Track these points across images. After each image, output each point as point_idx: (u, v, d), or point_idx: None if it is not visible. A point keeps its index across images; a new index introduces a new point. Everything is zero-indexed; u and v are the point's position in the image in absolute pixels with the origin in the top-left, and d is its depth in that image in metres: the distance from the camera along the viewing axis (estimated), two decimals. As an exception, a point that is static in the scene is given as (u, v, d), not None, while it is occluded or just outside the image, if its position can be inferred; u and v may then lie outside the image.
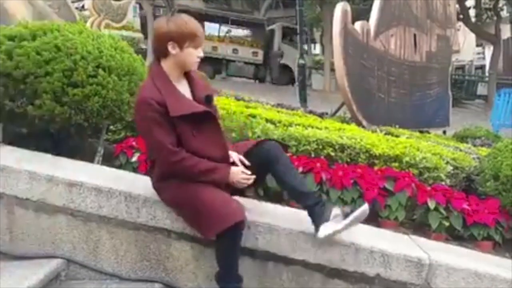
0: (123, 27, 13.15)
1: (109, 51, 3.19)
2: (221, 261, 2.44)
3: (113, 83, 3.09)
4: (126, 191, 2.61)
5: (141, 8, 23.92)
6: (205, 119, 2.46)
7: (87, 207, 2.59)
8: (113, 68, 3.13)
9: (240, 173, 2.49)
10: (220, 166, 2.47)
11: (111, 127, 3.65)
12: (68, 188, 2.58)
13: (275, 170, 2.55)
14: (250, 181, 2.53)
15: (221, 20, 21.73)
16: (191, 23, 2.42)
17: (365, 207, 2.44)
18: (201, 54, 2.48)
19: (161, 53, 2.43)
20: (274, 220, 2.62)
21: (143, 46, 18.70)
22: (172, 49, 2.39)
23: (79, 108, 3.01)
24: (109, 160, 3.38)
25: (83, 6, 13.70)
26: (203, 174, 2.42)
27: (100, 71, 3.06)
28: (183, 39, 2.38)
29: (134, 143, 3.34)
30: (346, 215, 2.43)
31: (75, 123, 3.05)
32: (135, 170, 3.23)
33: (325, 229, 2.43)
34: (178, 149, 2.39)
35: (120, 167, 3.27)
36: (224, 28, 22.23)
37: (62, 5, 7.94)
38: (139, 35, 21.34)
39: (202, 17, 18.05)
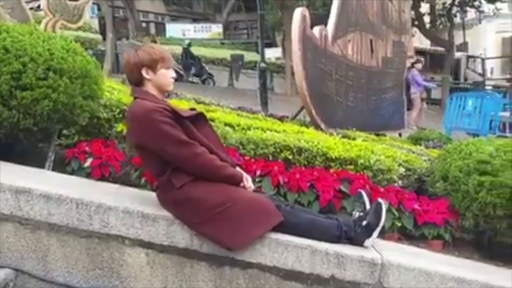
0: (80, 28, 12.82)
1: (60, 53, 3.11)
2: (307, 235, 2.63)
3: (64, 86, 3.01)
4: (77, 198, 2.54)
5: (99, 9, 23.49)
6: (200, 123, 2.65)
7: (36, 214, 2.51)
8: (65, 70, 3.06)
9: (250, 181, 2.67)
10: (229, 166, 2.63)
11: (65, 131, 3.56)
12: (16, 195, 2.49)
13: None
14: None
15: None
16: (158, 47, 2.71)
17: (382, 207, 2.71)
18: (173, 74, 2.70)
19: (137, 80, 2.63)
20: (230, 224, 2.61)
21: (102, 48, 18.34)
22: (146, 74, 2.60)
23: (28, 112, 2.92)
24: (61, 165, 3.29)
25: (38, 6, 13.34)
26: (222, 168, 2.54)
27: (51, 73, 2.99)
28: (155, 62, 2.60)
29: (87, 148, 3.27)
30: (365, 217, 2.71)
31: (24, 127, 2.96)
32: (88, 175, 3.15)
33: (368, 242, 2.71)
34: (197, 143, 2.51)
35: (72, 173, 3.19)
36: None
37: (15, 5, 7.72)
38: (97, 36, 20.90)
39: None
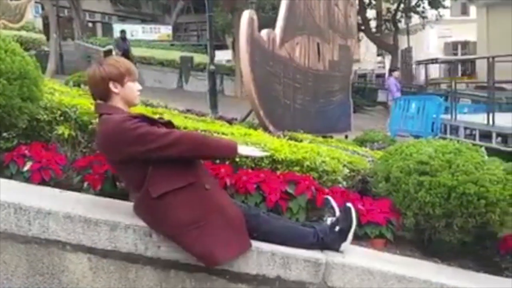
0: (22, 28, 12.37)
1: (-3, 53, 3.00)
2: (286, 242, 2.68)
3: (2, 88, 2.91)
4: (16, 203, 2.46)
5: (43, 8, 22.76)
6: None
7: (-29, 221, 2.41)
8: (2, 71, 2.95)
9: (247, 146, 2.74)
10: None
11: (4, 134, 3.42)
12: (-51, 201, 2.39)
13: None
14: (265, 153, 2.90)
15: None
16: (122, 60, 2.65)
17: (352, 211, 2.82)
18: (140, 87, 2.66)
19: (104, 95, 2.58)
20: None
21: (46, 48, 17.77)
22: (114, 88, 2.55)
23: (-37, 114, 2.81)
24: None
25: (-21, 7, 12.77)
26: (210, 139, 2.61)
27: (-13, 74, 2.88)
28: (122, 76, 2.56)
29: (26, 151, 3.15)
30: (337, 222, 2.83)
31: (-41, 130, 2.84)
32: (27, 180, 3.04)
33: (344, 246, 2.80)
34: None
35: (11, 177, 3.06)
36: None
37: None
38: (41, 36, 20.22)
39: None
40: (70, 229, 2.48)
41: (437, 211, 3.10)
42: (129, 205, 2.83)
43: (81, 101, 3.61)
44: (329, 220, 2.87)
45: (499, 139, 8.94)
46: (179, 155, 2.41)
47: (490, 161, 3.36)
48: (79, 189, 3.07)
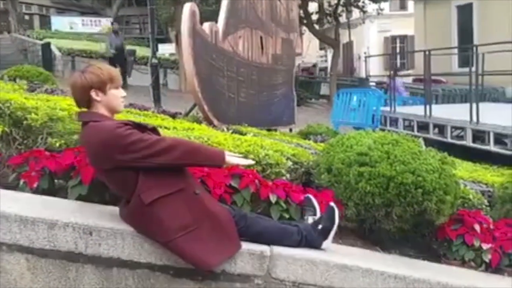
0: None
1: None
2: (274, 242, 2.73)
3: None
4: None
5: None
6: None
7: None
8: None
9: (235, 155, 2.76)
10: None
11: None
12: None
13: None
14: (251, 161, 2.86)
15: None
16: (105, 67, 2.62)
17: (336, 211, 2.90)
18: (124, 94, 2.64)
19: (87, 102, 2.55)
20: (118, 224, 2.54)
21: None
22: (96, 96, 2.52)
23: None
24: None
25: None
26: (201, 147, 2.68)
27: None
28: (104, 83, 2.53)
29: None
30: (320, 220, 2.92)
31: None
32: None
33: (326, 244, 2.87)
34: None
35: None
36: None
37: None
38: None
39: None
40: (6, 228, 2.38)
41: (376, 201, 3.19)
42: (67, 202, 2.75)
43: (15, 96, 3.46)
44: (310, 219, 2.96)
45: (436, 130, 9.34)
46: (170, 162, 2.43)
47: (426, 151, 3.48)
48: (14, 187, 2.95)
